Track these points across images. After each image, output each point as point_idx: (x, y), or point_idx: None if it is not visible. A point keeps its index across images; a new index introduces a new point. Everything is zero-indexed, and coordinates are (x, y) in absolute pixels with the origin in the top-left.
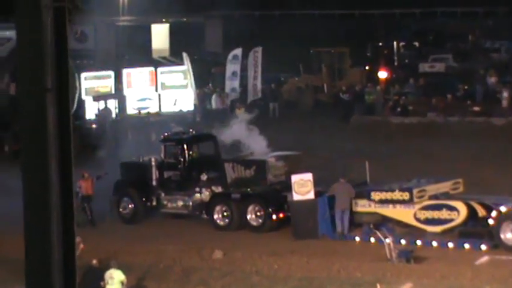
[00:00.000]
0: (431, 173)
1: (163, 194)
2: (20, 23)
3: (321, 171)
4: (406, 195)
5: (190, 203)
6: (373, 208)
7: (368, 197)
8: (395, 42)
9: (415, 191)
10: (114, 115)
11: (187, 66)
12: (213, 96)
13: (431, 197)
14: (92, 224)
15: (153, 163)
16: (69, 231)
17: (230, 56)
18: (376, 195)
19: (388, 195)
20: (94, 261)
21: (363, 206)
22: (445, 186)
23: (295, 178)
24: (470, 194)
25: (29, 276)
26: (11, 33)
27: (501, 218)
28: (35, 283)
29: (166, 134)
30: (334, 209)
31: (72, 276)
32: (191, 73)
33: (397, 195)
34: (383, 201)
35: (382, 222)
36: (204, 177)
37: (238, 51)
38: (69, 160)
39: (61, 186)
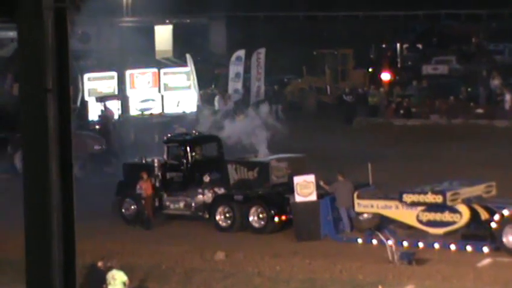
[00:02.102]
0: (434, 175)
1: (165, 195)
2: (21, 24)
3: (324, 173)
4: (439, 198)
5: (193, 204)
6: (376, 209)
7: (400, 199)
8: (398, 44)
9: (448, 194)
10: (116, 116)
11: (190, 67)
12: (216, 98)
13: (464, 201)
14: (144, 226)
15: (155, 164)
16: (69, 231)
17: (233, 58)
18: (408, 198)
19: (420, 198)
20: (99, 263)
21: (365, 207)
22: (478, 189)
23: (297, 180)
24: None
25: (30, 277)
26: (14, 34)
27: (504, 222)
28: (35, 284)
29: (169, 135)
30: (337, 210)
31: (73, 277)
32: (194, 74)
33: (429, 197)
34: (415, 204)
35: (381, 226)
36: (206, 178)
37: (241, 53)
38: (70, 160)
39: (61, 186)
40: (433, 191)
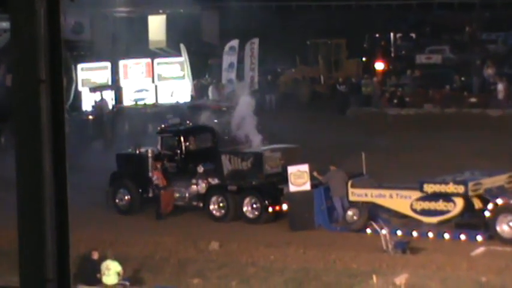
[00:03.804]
0: (428, 164)
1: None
2: (14, 14)
3: (317, 163)
4: (461, 189)
5: (187, 195)
6: (370, 198)
7: (421, 189)
8: (392, 34)
9: (470, 184)
10: (110, 106)
11: (184, 57)
12: (210, 88)
13: (486, 191)
14: (159, 217)
15: (149, 155)
16: (63, 222)
17: (227, 48)
18: (429, 187)
19: (442, 188)
20: (94, 253)
21: (359, 196)
22: (500, 180)
23: (291, 169)
24: None
25: (23, 268)
26: (7, 24)
27: (497, 210)
28: (28, 275)
29: (163, 125)
30: (330, 199)
31: (66, 267)
32: (188, 64)
33: (451, 188)
34: (436, 194)
35: (375, 216)
36: (200, 169)
37: (235, 43)
38: (63, 151)
39: (55, 177)
40: (455, 181)
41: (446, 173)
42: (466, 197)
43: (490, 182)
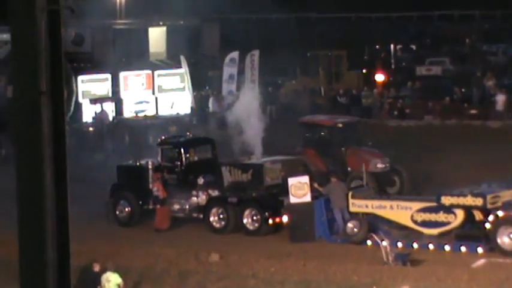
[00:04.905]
0: (429, 176)
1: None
2: (15, 26)
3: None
4: (479, 201)
5: (187, 206)
6: (370, 209)
7: (438, 201)
8: (392, 46)
9: (488, 197)
10: (111, 118)
11: (184, 69)
12: (210, 99)
13: (505, 204)
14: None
15: (149, 166)
16: (63, 233)
17: (227, 59)
18: (446, 200)
19: (459, 200)
20: (94, 265)
21: (359, 207)
22: None
23: (292, 181)
24: None
25: (24, 278)
26: (8, 36)
27: (498, 222)
28: (29, 286)
29: (163, 137)
30: (331, 211)
31: (67, 278)
32: (188, 76)
33: (469, 200)
34: (454, 207)
35: (376, 227)
36: (200, 180)
37: (235, 54)
38: (64, 162)
39: (56, 188)
40: (473, 193)
41: (450, 185)
42: (466, 208)
43: (508, 195)
